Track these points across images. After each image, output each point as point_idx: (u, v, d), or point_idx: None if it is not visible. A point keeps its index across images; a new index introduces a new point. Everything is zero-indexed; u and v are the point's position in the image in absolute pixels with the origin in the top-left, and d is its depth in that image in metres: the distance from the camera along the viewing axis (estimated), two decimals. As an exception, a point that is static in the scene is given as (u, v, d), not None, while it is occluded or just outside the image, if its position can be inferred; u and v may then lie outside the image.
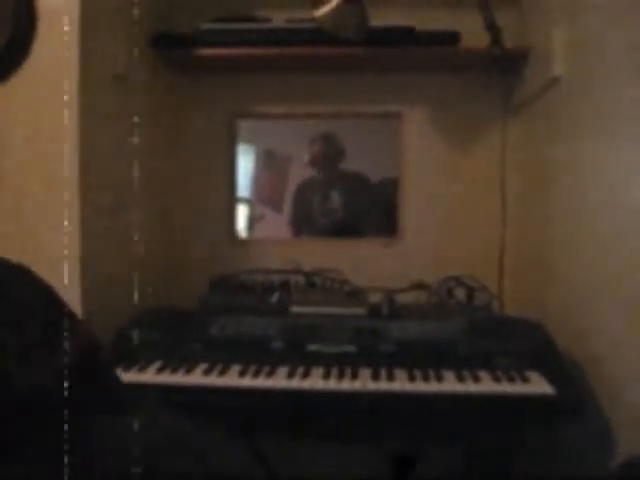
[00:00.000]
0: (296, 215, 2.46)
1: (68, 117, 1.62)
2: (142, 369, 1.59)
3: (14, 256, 0.83)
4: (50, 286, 0.85)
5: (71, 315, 0.86)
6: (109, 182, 1.82)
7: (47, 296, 0.84)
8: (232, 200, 2.44)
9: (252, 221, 2.48)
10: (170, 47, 2.12)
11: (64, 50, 1.61)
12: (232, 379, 1.55)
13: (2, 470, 0.70)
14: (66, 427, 0.77)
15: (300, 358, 1.65)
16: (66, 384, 0.76)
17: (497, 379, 1.54)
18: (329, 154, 2.43)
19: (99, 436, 0.83)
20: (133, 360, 1.63)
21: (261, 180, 2.48)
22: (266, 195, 2.48)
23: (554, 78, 1.82)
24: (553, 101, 1.89)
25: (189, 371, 1.59)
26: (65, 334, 0.82)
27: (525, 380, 1.54)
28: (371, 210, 2.48)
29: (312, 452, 1.90)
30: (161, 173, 2.27)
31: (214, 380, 1.55)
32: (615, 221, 1.48)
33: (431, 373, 1.58)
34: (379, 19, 1.96)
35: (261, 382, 1.53)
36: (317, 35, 1.98)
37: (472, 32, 1.99)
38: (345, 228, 2.44)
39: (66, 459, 0.76)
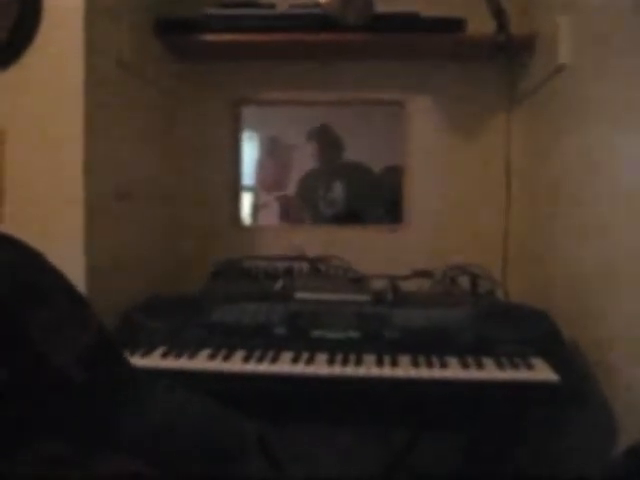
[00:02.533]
0: (298, 203, 2.46)
1: (73, 103, 1.62)
2: (146, 354, 1.59)
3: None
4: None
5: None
6: (113, 168, 1.82)
7: (64, 278, 0.84)
8: (236, 187, 2.44)
9: (256, 208, 2.49)
10: (174, 33, 2.11)
11: (68, 37, 1.61)
12: (236, 364, 1.55)
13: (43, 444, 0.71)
14: (94, 405, 0.78)
15: (304, 344, 1.65)
16: (89, 364, 0.78)
17: (501, 366, 1.54)
18: (325, 148, 2.43)
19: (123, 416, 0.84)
20: (137, 345, 1.63)
21: (265, 167, 2.48)
22: (270, 182, 2.48)
23: (560, 65, 1.81)
24: (559, 89, 1.88)
25: (193, 356, 1.59)
26: (88, 314, 0.83)
27: (529, 367, 1.53)
28: (375, 198, 2.48)
29: (315, 437, 1.91)
30: (165, 159, 2.27)
31: (218, 365, 1.55)
32: (621, 208, 1.47)
33: (435, 360, 1.58)
34: (384, 5, 1.95)
35: (265, 367, 1.53)
36: (321, 21, 1.98)
37: (477, 19, 1.98)
38: (349, 216, 2.44)
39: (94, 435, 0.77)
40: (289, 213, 2.47)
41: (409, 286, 2.08)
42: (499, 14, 1.86)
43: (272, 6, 2.11)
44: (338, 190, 2.44)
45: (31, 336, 0.71)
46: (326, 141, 2.43)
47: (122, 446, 0.81)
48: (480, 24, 1.97)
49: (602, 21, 1.60)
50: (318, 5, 1.89)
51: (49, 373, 0.73)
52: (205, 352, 1.61)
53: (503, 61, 2.21)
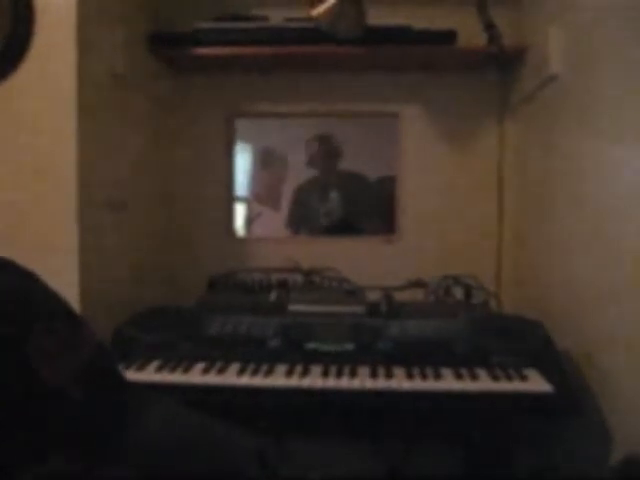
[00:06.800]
0: (294, 214, 2.47)
1: (66, 117, 1.62)
2: (140, 368, 1.59)
3: (11, 255, 0.83)
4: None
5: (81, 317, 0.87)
6: (107, 181, 1.82)
7: (58, 297, 0.84)
8: (230, 199, 2.45)
9: (250, 220, 2.49)
10: (168, 46, 2.12)
11: (62, 51, 1.61)
12: (230, 378, 1.55)
13: (34, 466, 0.71)
14: (90, 423, 0.79)
15: (299, 356, 1.65)
16: (87, 382, 0.78)
17: (495, 377, 1.54)
18: (326, 154, 2.44)
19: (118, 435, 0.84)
20: (131, 359, 1.63)
21: (259, 179, 2.48)
22: (264, 194, 2.49)
23: (551, 76, 1.82)
24: (550, 99, 1.89)
25: (187, 370, 1.59)
26: (84, 333, 0.83)
27: (523, 378, 1.53)
28: (369, 209, 2.49)
29: (310, 449, 1.90)
30: (159, 172, 2.28)
31: (212, 379, 1.55)
32: (614, 218, 1.48)
33: (429, 371, 1.58)
34: (376, 18, 1.96)
35: (259, 380, 1.53)
36: (314, 34, 1.99)
37: (469, 30, 2.00)
38: (343, 227, 2.44)
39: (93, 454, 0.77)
40: (283, 224, 2.47)
41: (403, 296, 2.08)
42: (490, 26, 1.87)
43: (265, 19, 2.12)
44: (335, 200, 2.45)
45: (28, 357, 0.71)
46: (327, 147, 2.44)
47: (122, 459, 0.81)
48: (472, 36, 1.99)
49: (592, 32, 1.61)
50: (311, 18, 1.90)
51: (47, 392, 0.74)
52: (199, 365, 1.61)
53: (495, 72, 2.23)
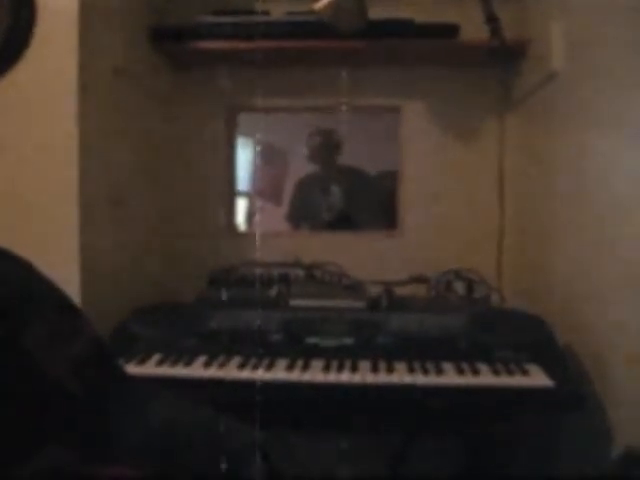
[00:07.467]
0: (295, 208, 2.47)
1: (67, 111, 1.61)
2: (141, 362, 1.59)
3: (11, 249, 0.83)
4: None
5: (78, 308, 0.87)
6: (108, 176, 1.82)
7: (56, 289, 0.84)
8: (231, 193, 2.44)
9: (251, 214, 2.48)
10: (169, 40, 2.12)
11: (63, 44, 1.61)
12: (232, 372, 1.55)
13: (36, 455, 0.71)
14: (88, 413, 0.78)
15: (299, 351, 1.65)
16: (85, 375, 0.78)
17: (496, 372, 1.54)
18: (327, 147, 2.44)
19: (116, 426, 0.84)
20: (133, 354, 1.63)
21: (260, 174, 2.48)
22: (265, 188, 2.49)
23: (552, 72, 1.82)
24: (551, 96, 1.89)
25: (189, 364, 1.59)
26: (82, 324, 0.83)
27: (524, 373, 1.53)
28: (370, 204, 2.49)
29: (311, 444, 1.90)
30: (160, 166, 2.27)
31: (213, 373, 1.55)
32: (615, 214, 1.48)
33: (430, 366, 1.58)
34: (378, 12, 1.95)
35: (260, 375, 1.53)
36: (316, 28, 1.98)
37: (472, 25, 1.99)
38: (344, 222, 2.44)
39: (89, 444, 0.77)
40: (284, 219, 2.47)
41: (404, 291, 2.08)
42: (492, 20, 1.86)
43: (267, 13, 2.11)
44: (336, 195, 2.45)
45: (25, 348, 0.71)
46: (328, 141, 2.44)
47: (121, 453, 0.81)
48: (474, 30, 1.98)
49: (595, 28, 1.60)
50: (313, 12, 1.89)
51: (45, 384, 0.73)
52: (201, 359, 1.61)
53: (497, 67, 2.22)
